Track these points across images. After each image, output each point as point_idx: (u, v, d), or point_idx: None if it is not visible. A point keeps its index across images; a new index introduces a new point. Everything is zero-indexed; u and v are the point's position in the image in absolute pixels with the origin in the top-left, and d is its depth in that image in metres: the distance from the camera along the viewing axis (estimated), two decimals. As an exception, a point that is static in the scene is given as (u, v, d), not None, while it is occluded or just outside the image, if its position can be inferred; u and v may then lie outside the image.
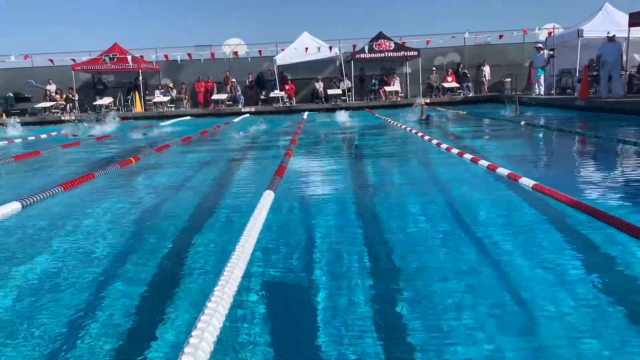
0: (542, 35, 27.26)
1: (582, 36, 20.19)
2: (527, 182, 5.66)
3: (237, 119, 21.25)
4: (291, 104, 27.01)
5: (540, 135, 11.95)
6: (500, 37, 28.77)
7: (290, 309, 3.15)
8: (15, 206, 5.50)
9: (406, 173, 7.93)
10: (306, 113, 23.24)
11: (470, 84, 28.40)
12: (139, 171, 8.64)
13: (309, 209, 5.59)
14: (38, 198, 5.90)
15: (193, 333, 2.34)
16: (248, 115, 24.58)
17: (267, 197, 5.29)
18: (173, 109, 27.18)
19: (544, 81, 22.78)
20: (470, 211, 5.11)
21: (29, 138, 15.64)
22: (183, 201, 6.23)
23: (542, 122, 13.92)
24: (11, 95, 27.54)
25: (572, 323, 2.74)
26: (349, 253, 3.98)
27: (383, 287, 3.38)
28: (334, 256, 3.94)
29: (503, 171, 6.36)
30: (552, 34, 23.68)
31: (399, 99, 27.23)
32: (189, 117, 24.50)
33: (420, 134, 11.75)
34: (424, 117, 15.53)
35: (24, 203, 5.62)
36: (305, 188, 6.67)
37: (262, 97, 27.67)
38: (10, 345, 2.74)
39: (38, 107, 26.60)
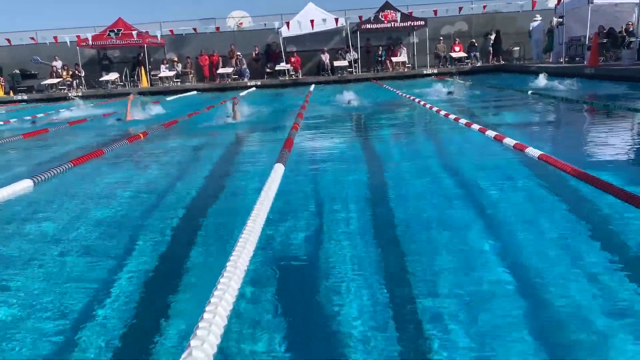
0: (551, 2, 26.68)
1: (592, 2, 19.76)
2: (533, 152, 5.64)
3: (243, 93, 21.15)
4: (297, 76, 26.80)
5: (549, 104, 11.81)
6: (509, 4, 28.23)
7: (304, 281, 3.18)
8: (27, 183, 5.57)
9: (413, 144, 7.91)
10: (312, 86, 23.07)
11: (478, 54, 28.00)
12: (148, 146, 8.67)
13: (319, 180, 5.61)
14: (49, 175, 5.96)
15: (207, 308, 2.38)
16: (254, 89, 24.44)
17: (277, 171, 5.30)
18: (179, 83, 27.06)
19: (554, 50, 22.43)
20: (477, 181, 5.12)
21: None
22: (192, 176, 6.26)
23: (550, 91, 13.75)
24: (17, 72, 27.50)
25: (577, 290, 2.77)
26: (359, 223, 4.01)
27: (394, 256, 3.42)
28: (344, 227, 3.97)
29: (510, 141, 6.33)
30: (562, 0, 23.18)
31: (406, 70, 26.94)
32: (194, 92, 24.41)
33: (427, 105, 11.67)
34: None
35: (36, 180, 5.69)
36: (314, 160, 6.67)
37: (268, 70, 27.46)
38: (30, 311, 2.81)
39: (45, 84, 26.57)
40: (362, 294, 2.89)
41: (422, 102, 12.40)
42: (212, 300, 2.44)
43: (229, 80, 26.87)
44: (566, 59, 22.14)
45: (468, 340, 2.38)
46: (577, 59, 21.93)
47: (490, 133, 7.04)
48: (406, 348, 2.37)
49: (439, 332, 2.47)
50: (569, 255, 3.30)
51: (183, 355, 2.03)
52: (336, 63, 26.85)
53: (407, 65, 27.54)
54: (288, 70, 26.65)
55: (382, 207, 4.55)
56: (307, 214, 4.43)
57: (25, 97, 25.79)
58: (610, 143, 6.89)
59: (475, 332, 2.45)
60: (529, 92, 13.76)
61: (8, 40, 27.93)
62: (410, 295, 2.87)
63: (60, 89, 26.49)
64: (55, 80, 26.61)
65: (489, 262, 3.25)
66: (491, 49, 28.08)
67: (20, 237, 4.23)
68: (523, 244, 3.51)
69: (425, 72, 26.03)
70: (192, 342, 2.10)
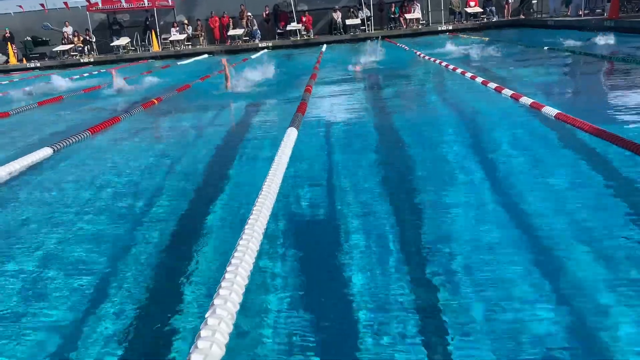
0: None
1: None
2: (549, 110, 5.59)
3: (254, 56, 20.97)
4: (309, 36, 26.40)
5: (567, 60, 11.55)
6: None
7: (319, 242, 3.27)
8: (46, 152, 5.69)
9: (427, 103, 7.85)
10: (324, 46, 22.75)
11: (494, 8, 27.23)
12: (162, 112, 8.72)
13: (332, 143, 5.63)
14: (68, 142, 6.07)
15: (228, 269, 2.48)
16: (266, 51, 24.17)
17: (291, 135, 5.34)
18: (190, 46, 26.85)
19: (573, 2, 21.73)
20: (493, 140, 5.12)
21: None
22: (206, 141, 6.30)
23: (570, 45, 13.42)
24: (29, 39, 27.47)
25: (598, 251, 2.82)
26: (371, 185, 4.06)
27: (407, 214, 3.48)
28: (357, 189, 4.03)
29: (526, 100, 6.27)
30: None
31: (419, 27, 26.38)
32: (206, 55, 24.23)
33: (443, 63, 11.50)
34: None
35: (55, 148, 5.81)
36: (327, 123, 6.67)
37: (279, 30, 27.08)
38: (53, 269, 2.94)
39: (57, 51, 26.56)
40: (376, 252, 2.96)
41: (436, 60, 12.22)
42: (233, 261, 2.54)
43: (240, 42, 26.58)
44: (585, 12, 21.48)
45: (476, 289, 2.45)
46: (597, 11, 21.26)
47: (507, 92, 6.97)
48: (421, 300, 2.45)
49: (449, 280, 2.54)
50: (588, 215, 3.33)
51: (207, 314, 2.14)
52: (348, 21, 26.34)
53: (420, 22, 26.94)
54: (299, 30, 26.25)
55: (398, 167, 4.59)
56: (322, 177, 4.48)
57: (38, 64, 25.84)
58: (631, 99, 6.77)
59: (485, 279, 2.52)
60: (546, 47, 13.46)
61: (20, 6, 27.76)
62: (423, 251, 2.94)
63: (72, 55, 26.47)
64: (66, 47, 26.57)
65: (504, 218, 3.30)
66: (507, 3, 27.30)
67: (43, 202, 4.36)
68: (541, 205, 3.54)
69: (439, 28, 25.48)
70: (216, 301, 2.20)
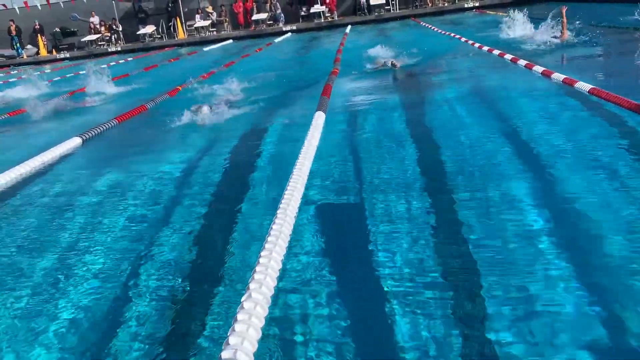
0: None
1: None
2: (583, 86, 5.43)
3: (279, 39, 20.91)
4: (333, 18, 26.15)
5: (604, 35, 11.13)
6: None
7: (352, 223, 3.27)
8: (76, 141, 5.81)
9: (455, 81, 7.70)
10: (349, 27, 22.52)
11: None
12: (188, 98, 8.77)
13: (360, 125, 5.60)
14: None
15: (262, 254, 2.50)
16: (290, 34, 24.07)
17: (319, 119, 5.33)
18: (215, 32, 26.92)
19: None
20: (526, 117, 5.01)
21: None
22: (234, 126, 6.30)
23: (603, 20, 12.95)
24: (58, 30, 27.95)
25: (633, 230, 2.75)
26: (400, 166, 4.04)
27: (437, 194, 3.46)
28: (387, 170, 4.01)
29: (558, 76, 6.11)
30: None
31: (445, 4, 25.85)
32: (230, 41, 24.27)
33: (469, 41, 11.27)
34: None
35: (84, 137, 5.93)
36: (354, 105, 6.63)
37: (303, 13, 26.89)
38: (84, 250, 3.01)
39: (85, 41, 26.96)
40: (407, 234, 2.95)
41: (464, 39, 11.97)
42: (267, 245, 2.56)
43: (264, 26, 26.52)
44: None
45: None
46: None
47: (538, 69, 6.79)
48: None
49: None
50: (624, 189, 3.25)
51: (243, 298, 2.17)
52: (373, 1, 25.97)
53: (446, 0, 26.39)
54: (323, 12, 26.02)
55: (428, 147, 4.53)
56: (351, 160, 4.46)
57: (67, 54, 26.30)
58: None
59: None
60: (577, 22, 13.02)
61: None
62: (456, 234, 2.92)
63: (100, 45, 26.84)
64: (94, 37, 26.94)
65: (538, 196, 3.25)
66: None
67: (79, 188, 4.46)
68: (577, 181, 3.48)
69: (466, 5, 24.91)
70: (251, 285, 2.23)
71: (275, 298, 2.25)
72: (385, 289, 2.46)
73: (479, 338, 2.07)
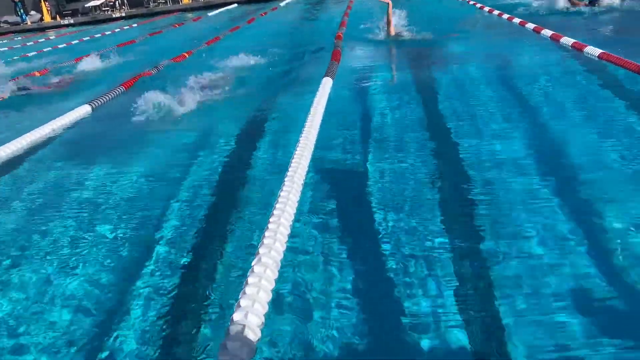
0: None
1: None
2: (592, 50, 5.37)
3: (283, 3, 20.57)
4: (339, -19, 25.62)
5: None
6: None
7: (359, 188, 3.31)
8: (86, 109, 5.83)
9: (464, 46, 7.59)
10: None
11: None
12: (193, 64, 8.71)
13: (368, 91, 5.57)
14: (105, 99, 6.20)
15: (270, 219, 2.56)
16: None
17: (326, 84, 5.31)
18: (219, -4, 26.51)
19: None
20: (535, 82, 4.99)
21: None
22: (240, 90, 6.28)
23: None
24: (61, -5, 27.67)
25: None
26: (409, 130, 4.06)
27: (445, 157, 3.50)
28: (395, 136, 4.03)
29: (567, 40, 6.03)
30: None
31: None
32: (235, 5, 23.90)
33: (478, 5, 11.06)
34: None
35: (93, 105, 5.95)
36: (362, 71, 6.57)
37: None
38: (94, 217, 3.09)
39: (89, 7, 26.66)
40: (414, 200, 2.99)
41: (479, 5, 11.73)
42: (275, 212, 2.62)
43: (269, -11, 26.05)
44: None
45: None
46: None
47: (530, 26, 6.69)
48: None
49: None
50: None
51: (253, 262, 2.23)
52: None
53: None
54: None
55: (436, 112, 4.53)
56: (358, 126, 4.47)
57: (71, 20, 26.05)
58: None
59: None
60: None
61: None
62: (464, 199, 2.97)
63: (104, 11, 26.54)
64: (98, 2, 26.61)
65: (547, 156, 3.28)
66: None
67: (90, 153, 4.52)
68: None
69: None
70: (261, 250, 2.29)
71: (284, 262, 2.32)
72: (392, 250, 2.52)
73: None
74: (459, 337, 1.96)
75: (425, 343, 1.95)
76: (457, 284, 2.24)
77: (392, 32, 8.48)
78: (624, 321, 1.99)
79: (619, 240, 2.42)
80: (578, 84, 4.98)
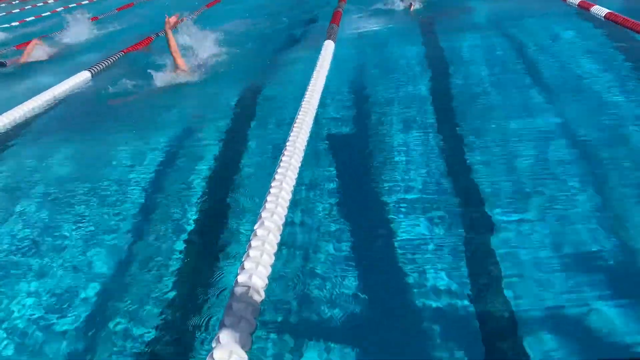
0: None
1: None
2: (599, 10, 5.26)
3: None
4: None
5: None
6: None
7: (362, 150, 3.36)
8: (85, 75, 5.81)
9: (470, 9, 7.38)
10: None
11: None
12: (190, 28, 8.56)
13: (371, 54, 5.50)
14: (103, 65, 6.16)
15: (272, 184, 2.60)
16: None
17: (328, 48, 5.25)
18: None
19: None
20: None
21: None
22: (239, 52, 6.20)
23: None
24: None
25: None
26: (411, 95, 4.07)
27: (447, 123, 3.53)
28: (399, 96, 4.05)
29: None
30: None
31: None
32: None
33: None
34: None
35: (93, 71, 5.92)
36: (365, 33, 6.43)
37: None
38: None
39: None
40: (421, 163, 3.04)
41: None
42: (277, 176, 2.66)
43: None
44: None
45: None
46: None
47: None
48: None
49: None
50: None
51: (256, 226, 2.29)
52: None
53: None
54: None
55: (440, 74, 4.49)
56: (361, 89, 4.45)
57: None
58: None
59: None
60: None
61: None
62: (470, 157, 3.03)
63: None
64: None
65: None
66: None
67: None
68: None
69: None
70: (263, 214, 2.34)
71: (285, 226, 2.37)
72: (397, 216, 2.57)
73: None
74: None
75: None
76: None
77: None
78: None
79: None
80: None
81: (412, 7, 7.23)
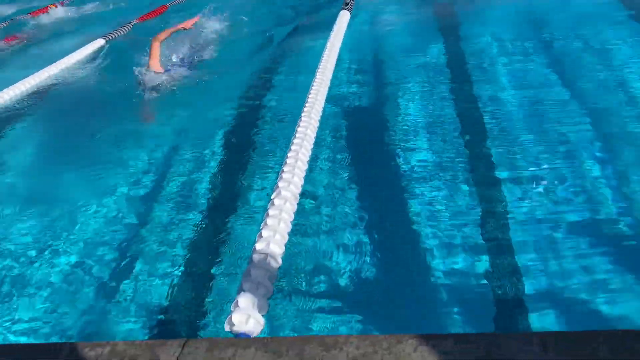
0: None
1: None
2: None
3: None
4: None
5: None
6: None
7: (374, 123, 3.37)
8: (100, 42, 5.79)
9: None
10: None
11: None
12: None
13: (387, 26, 5.43)
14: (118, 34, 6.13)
15: (289, 154, 2.63)
16: None
17: (343, 17, 5.19)
18: None
19: None
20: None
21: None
22: (254, 23, 6.11)
23: None
24: None
25: None
26: (426, 67, 4.05)
27: (462, 92, 3.55)
28: (413, 72, 4.01)
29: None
30: None
31: None
32: None
33: None
34: None
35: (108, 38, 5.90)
36: (382, 5, 6.31)
37: None
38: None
39: None
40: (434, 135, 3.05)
41: None
42: (293, 147, 2.69)
43: None
44: None
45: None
46: None
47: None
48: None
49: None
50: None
51: (273, 195, 2.33)
52: None
53: None
54: None
55: (455, 48, 4.43)
56: (376, 62, 4.42)
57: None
58: None
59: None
60: None
61: None
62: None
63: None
64: None
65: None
66: None
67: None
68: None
69: None
70: (280, 184, 2.38)
71: (302, 195, 2.41)
72: (411, 182, 2.61)
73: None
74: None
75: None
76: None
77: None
78: None
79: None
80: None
81: None
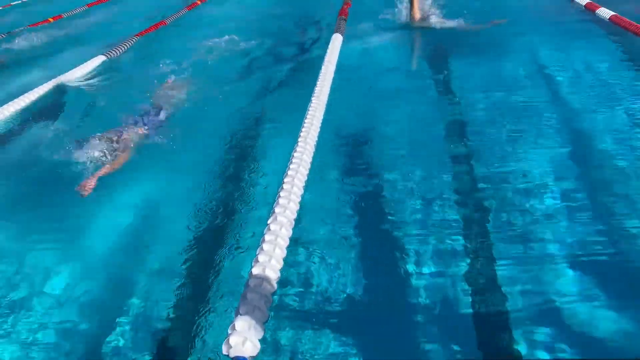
0: None
1: None
2: (604, 13, 5.33)
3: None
4: None
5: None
6: None
7: (370, 145, 3.48)
8: (100, 59, 5.85)
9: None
10: None
11: None
12: (207, 10, 8.51)
13: (379, 48, 5.55)
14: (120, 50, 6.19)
15: (285, 180, 2.72)
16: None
17: (336, 41, 5.31)
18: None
19: None
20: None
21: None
22: (242, 40, 6.20)
23: None
24: None
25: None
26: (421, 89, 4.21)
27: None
28: (407, 91, 4.18)
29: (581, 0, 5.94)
30: None
31: None
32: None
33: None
34: None
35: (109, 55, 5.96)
36: (375, 26, 6.40)
37: None
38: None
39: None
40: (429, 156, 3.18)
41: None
42: (289, 172, 2.78)
43: None
44: None
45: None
46: None
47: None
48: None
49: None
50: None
51: (269, 220, 2.41)
52: None
53: None
54: None
55: (450, 70, 4.60)
56: (369, 83, 4.53)
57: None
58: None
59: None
60: None
61: None
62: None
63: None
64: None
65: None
66: None
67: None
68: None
69: None
70: (276, 209, 2.46)
71: (297, 221, 2.49)
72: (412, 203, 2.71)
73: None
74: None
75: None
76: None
77: (417, 17, 6.17)
78: None
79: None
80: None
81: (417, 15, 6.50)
